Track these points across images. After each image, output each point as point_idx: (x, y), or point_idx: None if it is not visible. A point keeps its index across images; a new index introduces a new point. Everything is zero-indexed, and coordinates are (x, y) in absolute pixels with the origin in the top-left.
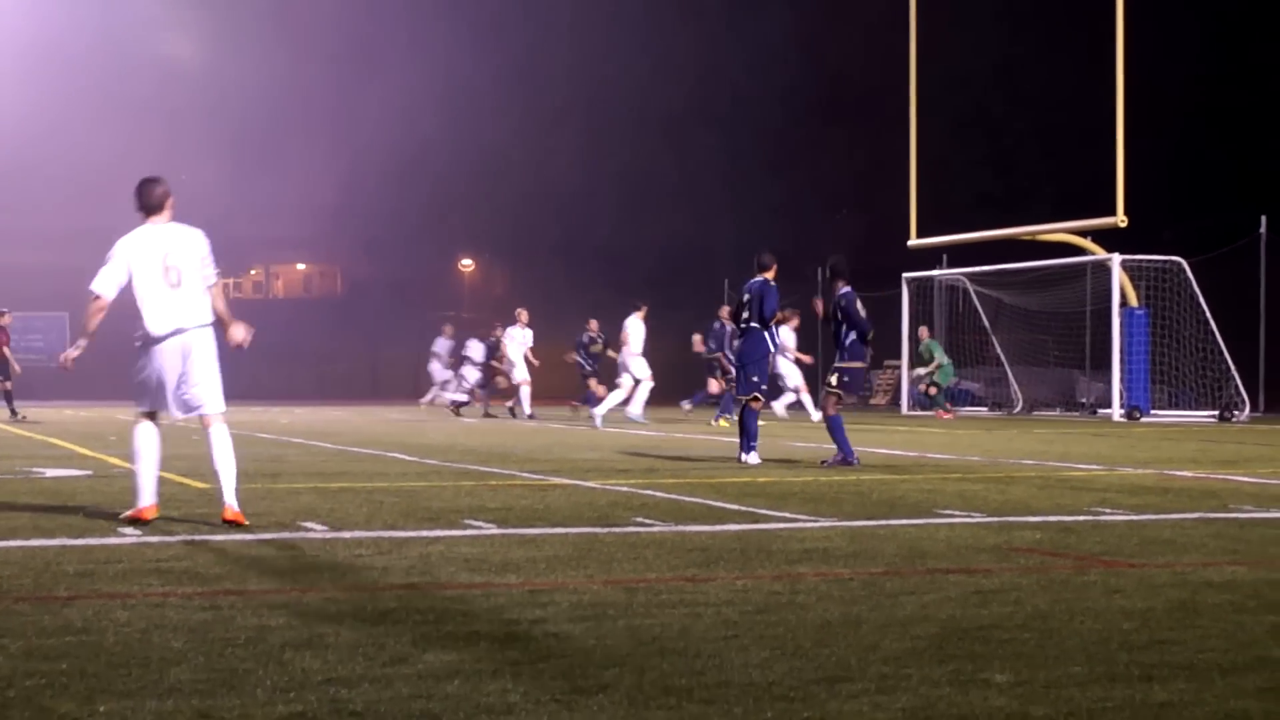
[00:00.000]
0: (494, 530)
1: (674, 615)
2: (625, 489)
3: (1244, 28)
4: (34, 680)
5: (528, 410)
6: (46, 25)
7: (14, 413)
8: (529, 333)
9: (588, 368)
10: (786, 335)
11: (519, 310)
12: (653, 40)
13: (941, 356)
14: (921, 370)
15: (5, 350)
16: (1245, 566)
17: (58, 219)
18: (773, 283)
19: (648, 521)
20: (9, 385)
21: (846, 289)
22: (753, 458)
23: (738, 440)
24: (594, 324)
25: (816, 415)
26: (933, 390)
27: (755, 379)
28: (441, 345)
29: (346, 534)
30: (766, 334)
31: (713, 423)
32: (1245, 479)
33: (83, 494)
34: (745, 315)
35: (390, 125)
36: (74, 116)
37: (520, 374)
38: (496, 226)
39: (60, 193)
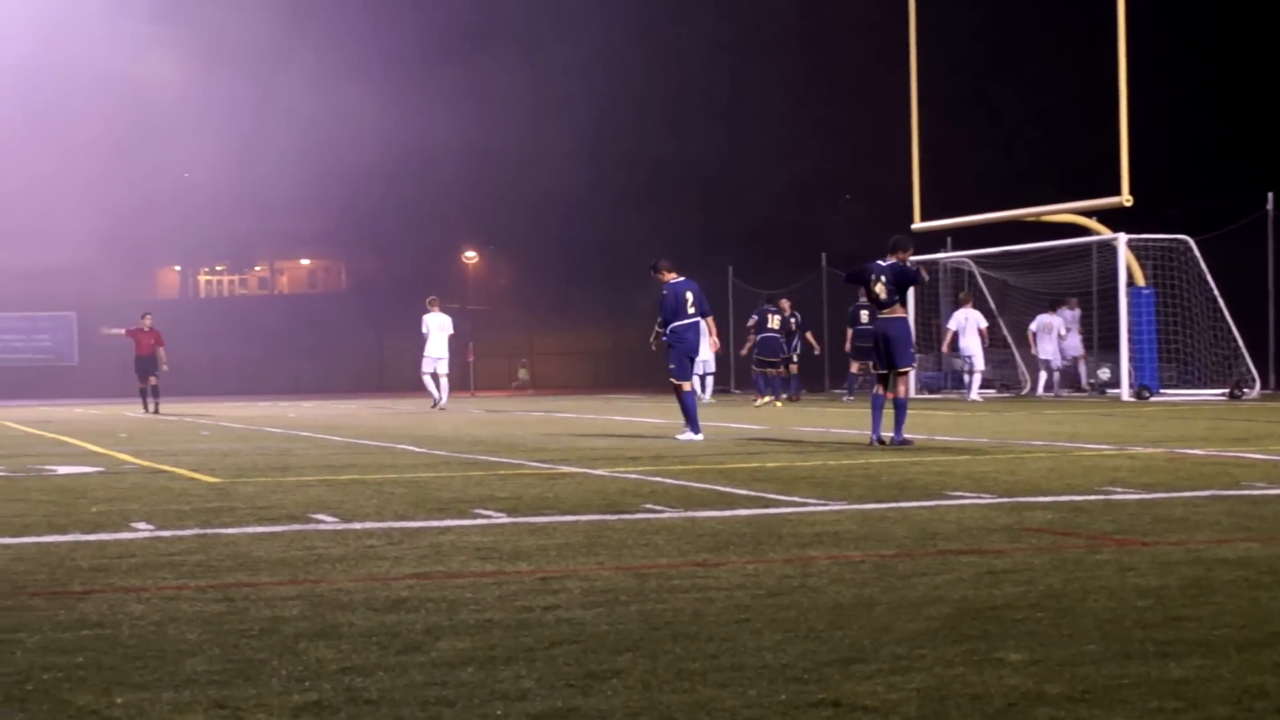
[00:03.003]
0: (504, 519)
1: (686, 600)
2: (634, 476)
3: (1249, 2)
4: (51, 674)
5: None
6: (44, 29)
7: None
8: (447, 319)
9: (785, 351)
10: (976, 318)
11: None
12: (651, 26)
13: None
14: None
15: None
16: (1259, 543)
17: (66, 221)
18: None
19: (657, 508)
20: None
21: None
22: (690, 435)
23: (752, 427)
24: (786, 303)
25: (975, 395)
26: None
27: (685, 366)
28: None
29: (357, 525)
30: (702, 324)
31: (773, 404)
32: (1257, 456)
33: (94, 490)
34: (691, 310)
35: (392, 120)
36: (76, 120)
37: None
38: (500, 219)
39: (68, 194)
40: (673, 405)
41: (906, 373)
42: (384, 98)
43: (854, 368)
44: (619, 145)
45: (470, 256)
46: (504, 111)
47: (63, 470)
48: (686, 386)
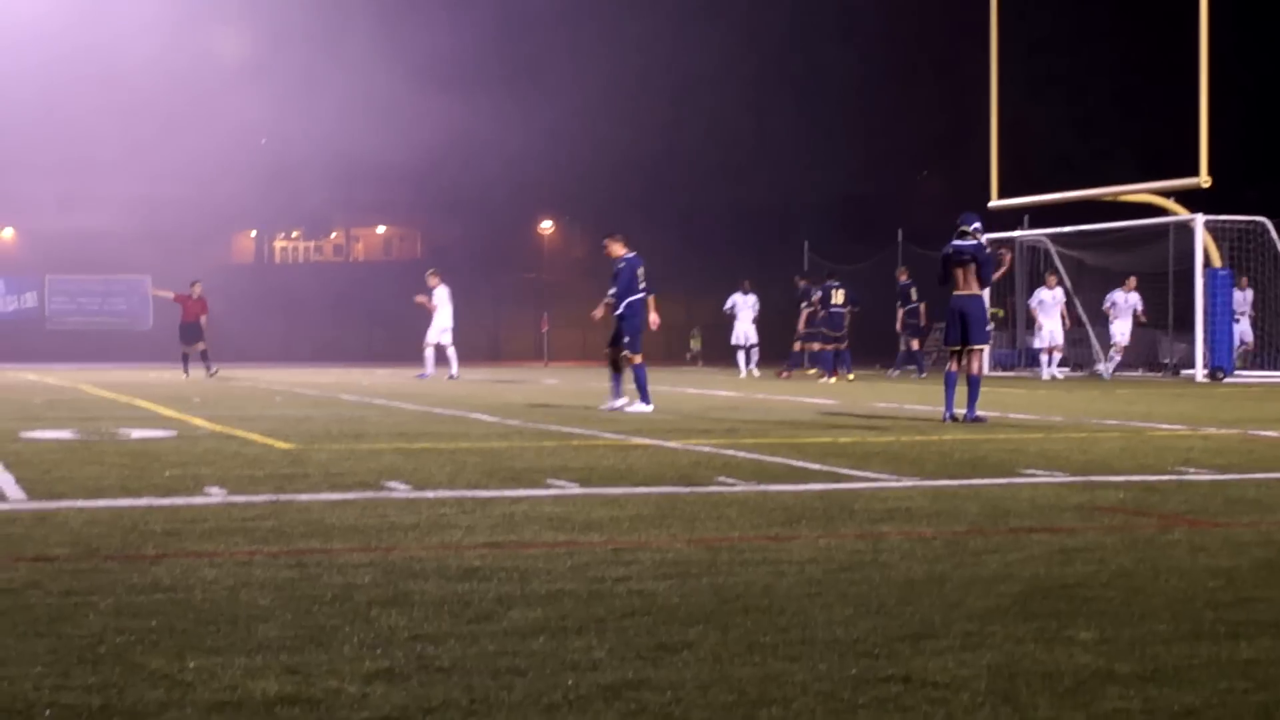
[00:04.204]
0: (577, 490)
1: (757, 573)
2: (707, 449)
3: None
4: (124, 637)
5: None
6: None
7: None
8: (444, 290)
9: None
10: (1059, 296)
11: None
12: (730, 2)
13: None
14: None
15: None
16: None
17: (141, 185)
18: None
19: (730, 481)
20: None
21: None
22: (632, 405)
23: (824, 402)
24: (904, 272)
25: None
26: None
27: (639, 339)
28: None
29: (430, 493)
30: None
31: (828, 380)
32: None
33: (168, 454)
34: (642, 285)
35: (468, 89)
36: (154, 84)
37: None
38: (576, 189)
39: (145, 158)
40: (727, 378)
41: (980, 350)
42: (462, 67)
43: (914, 344)
44: (697, 119)
45: (546, 226)
46: (579, 84)
47: (136, 434)
48: (638, 359)
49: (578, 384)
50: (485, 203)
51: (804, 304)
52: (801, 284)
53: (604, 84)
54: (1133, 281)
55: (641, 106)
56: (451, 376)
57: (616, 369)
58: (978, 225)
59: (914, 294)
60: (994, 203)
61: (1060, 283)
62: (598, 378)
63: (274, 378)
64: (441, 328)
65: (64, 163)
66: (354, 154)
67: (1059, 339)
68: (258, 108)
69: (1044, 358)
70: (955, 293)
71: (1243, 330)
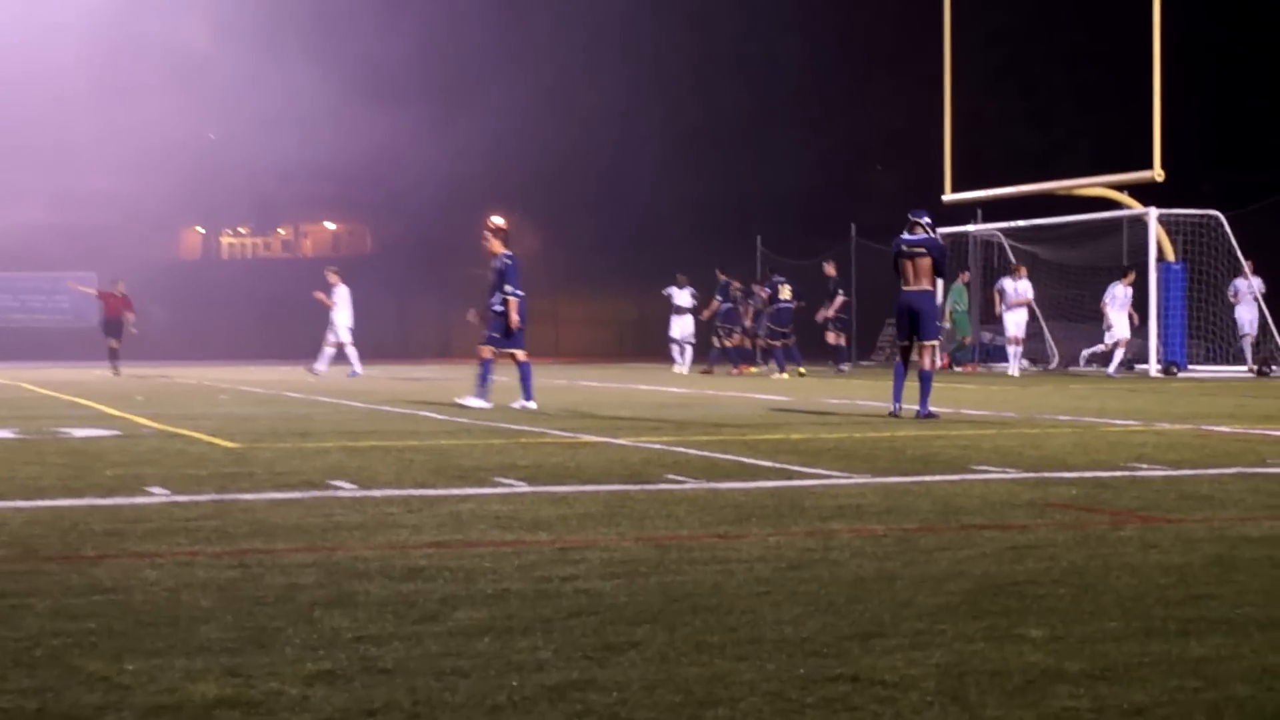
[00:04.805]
0: (524, 488)
1: (706, 572)
2: (657, 446)
3: None
4: (61, 639)
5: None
6: None
7: None
8: (345, 290)
9: (837, 324)
10: (1025, 289)
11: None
12: None
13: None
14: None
15: None
16: None
17: (87, 179)
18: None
19: (680, 478)
20: None
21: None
22: (476, 402)
23: (776, 398)
24: (831, 266)
25: (1112, 369)
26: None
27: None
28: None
29: (376, 492)
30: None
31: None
32: None
33: (110, 454)
34: (506, 286)
35: (418, 82)
36: (98, 77)
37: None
38: (528, 183)
39: (85, 154)
40: (689, 376)
41: (931, 345)
42: (411, 60)
43: (831, 338)
44: (648, 110)
45: (497, 222)
46: (529, 72)
47: (79, 433)
48: (522, 356)
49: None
50: (434, 198)
51: (720, 299)
52: (721, 278)
53: (556, 76)
54: (1132, 275)
55: (593, 99)
56: (354, 374)
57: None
58: (929, 219)
59: (840, 290)
60: (948, 196)
61: (993, 277)
62: (548, 374)
63: (220, 375)
64: (345, 325)
65: (3, 154)
66: (302, 149)
67: (1022, 331)
68: (204, 102)
69: (1011, 350)
70: (905, 288)
71: (1249, 317)
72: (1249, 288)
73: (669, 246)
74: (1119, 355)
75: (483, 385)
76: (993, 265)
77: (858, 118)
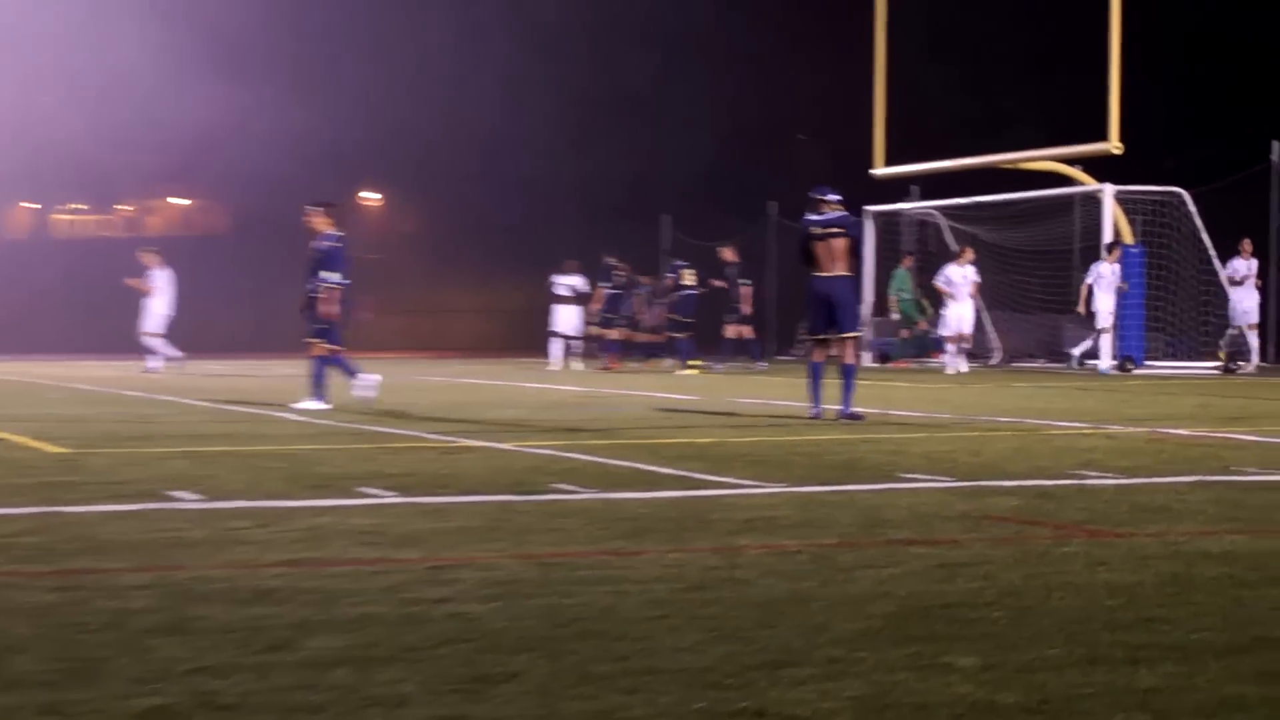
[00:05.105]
0: (393, 499)
1: (596, 593)
2: (546, 451)
3: None
4: None
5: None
6: None
7: None
8: (164, 274)
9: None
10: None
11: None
12: None
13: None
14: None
15: None
16: (1247, 535)
17: None
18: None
19: (569, 488)
20: None
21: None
22: (311, 404)
23: (682, 397)
24: (731, 250)
25: (1105, 364)
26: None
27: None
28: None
29: (223, 504)
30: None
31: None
32: (1250, 437)
33: None
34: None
35: (279, 46)
36: None
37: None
38: (405, 156)
39: None
40: (585, 373)
41: (854, 338)
42: (271, 21)
43: (743, 332)
44: (540, 77)
45: (370, 198)
46: (405, 37)
47: None
48: (328, 350)
49: (405, 378)
50: (299, 173)
51: (605, 284)
52: (610, 263)
53: (437, 39)
54: (1118, 250)
55: (478, 64)
56: (150, 370)
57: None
58: (837, 197)
59: (741, 279)
60: (879, 170)
61: (930, 261)
62: (426, 370)
63: (49, 371)
64: (161, 315)
65: None
66: (146, 118)
67: (968, 325)
68: (34, 67)
69: (950, 347)
70: (819, 274)
71: (1250, 304)
72: (1249, 269)
73: (566, 228)
74: (1107, 345)
75: (319, 385)
76: (929, 248)
77: (779, 82)
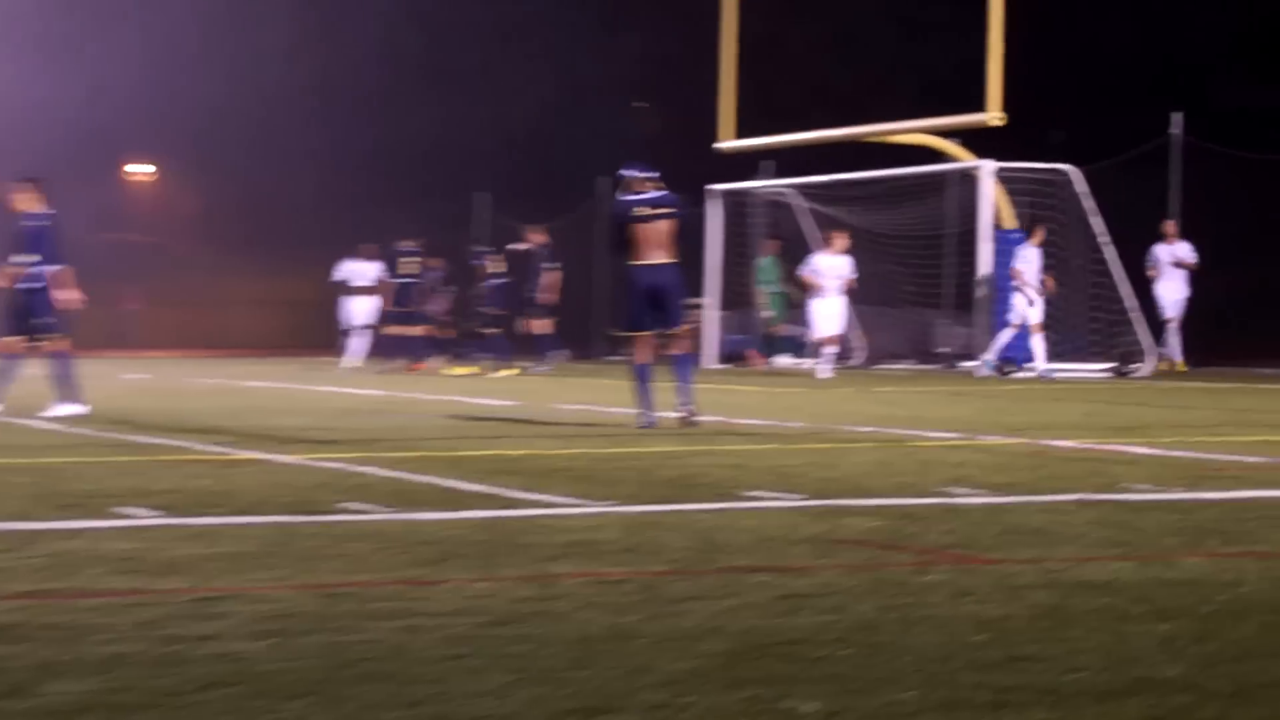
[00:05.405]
0: (157, 520)
1: (387, 629)
2: (336, 465)
3: None
4: None
5: None
6: None
7: None
8: None
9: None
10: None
11: None
12: None
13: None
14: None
15: None
16: (1133, 562)
17: None
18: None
19: (361, 507)
20: None
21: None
22: (68, 408)
23: (495, 403)
24: (540, 231)
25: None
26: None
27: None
28: None
29: None
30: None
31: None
32: (1142, 450)
33: None
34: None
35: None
36: None
37: None
38: (182, 126)
39: None
40: (381, 375)
41: (687, 331)
42: None
43: (536, 326)
44: (338, 34)
45: (139, 173)
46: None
47: None
48: (66, 344)
49: (178, 380)
50: (59, 150)
51: (389, 274)
52: (406, 246)
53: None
54: (1041, 232)
55: (264, 17)
56: None
57: None
58: (657, 174)
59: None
60: (725, 143)
61: (794, 248)
62: (204, 370)
63: None
64: None
65: None
66: None
67: (839, 325)
68: None
69: (822, 350)
70: (641, 263)
71: (1174, 297)
72: (1170, 256)
73: (367, 208)
74: (1040, 343)
75: (67, 384)
76: (781, 233)
77: (614, 42)
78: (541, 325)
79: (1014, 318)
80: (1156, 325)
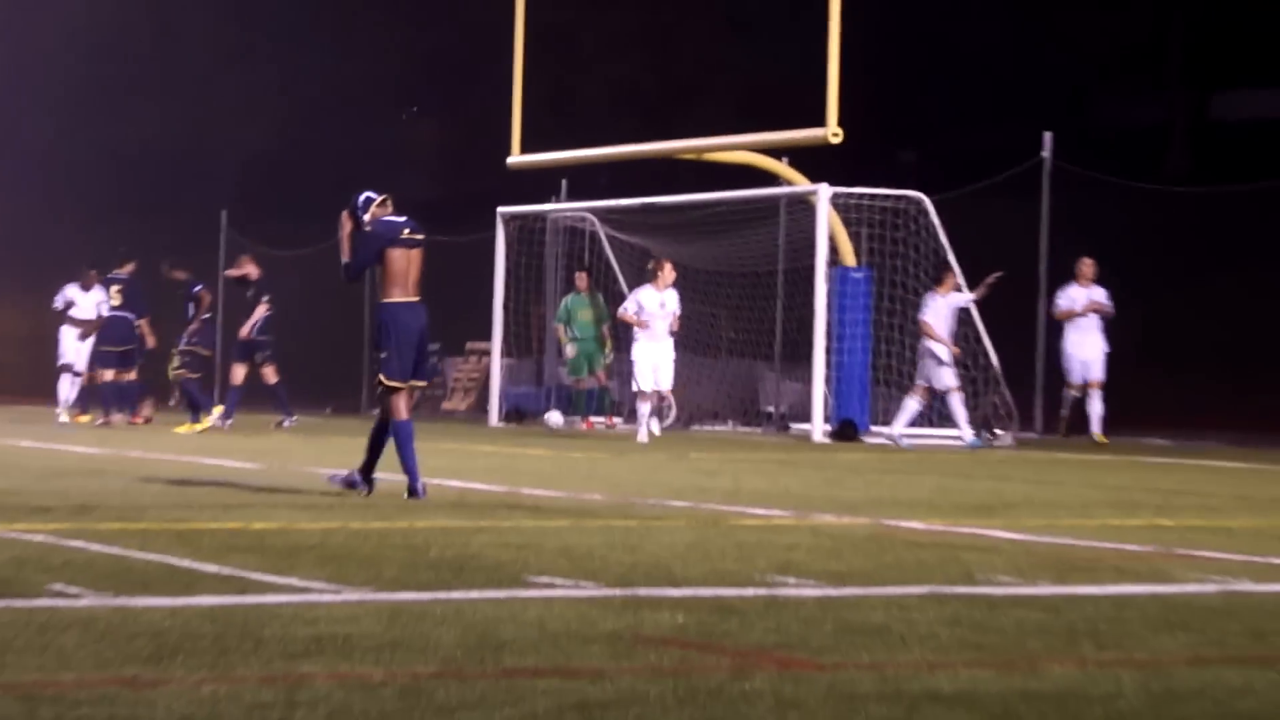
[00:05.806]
0: None
1: None
2: (41, 538)
3: None
4: None
5: None
6: None
7: None
8: None
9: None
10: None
11: None
12: None
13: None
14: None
15: None
16: (992, 670)
17: None
18: None
19: (71, 590)
20: None
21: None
22: None
23: (237, 465)
24: (248, 264)
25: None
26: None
27: None
28: None
29: None
30: None
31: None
32: (1004, 534)
33: None
34: None
35: None
36: None
37: None
38: None
39: None
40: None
41: (421, 386)
42: None
43: (270, 374)
44: (51, 18)
45: None
46: None
47: None
48: None
49: None
50: None
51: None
52: (122, 274)
53: None
54: (950, 280)
55: None
56: None
57: None
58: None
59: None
60: (515, 159)
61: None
62: None
63: None
64: None
65: None
66: None
67: (666, 376)
68: None
69: (644, 407)
70: (398, 299)
71: (1086, 356)
72: (1089, 301)
73: (85, 228)
74: (959, 407)
75: None
76: (584, 264)
77: (386, 40)
78: (276, 372)
79: (921, 380)
80: (1055, 385)
